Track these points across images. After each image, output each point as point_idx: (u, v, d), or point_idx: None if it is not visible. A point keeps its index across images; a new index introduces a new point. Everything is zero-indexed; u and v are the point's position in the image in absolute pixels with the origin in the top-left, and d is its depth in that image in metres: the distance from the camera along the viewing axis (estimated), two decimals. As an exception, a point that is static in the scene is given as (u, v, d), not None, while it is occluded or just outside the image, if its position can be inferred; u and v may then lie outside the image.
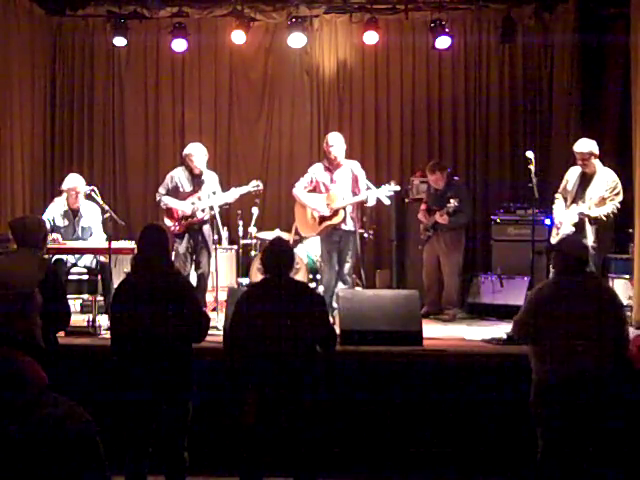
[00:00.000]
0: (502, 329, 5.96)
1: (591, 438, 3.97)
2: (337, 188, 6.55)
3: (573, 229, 6.21)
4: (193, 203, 6.60)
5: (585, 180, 6.31)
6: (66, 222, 6.64)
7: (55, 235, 6.38)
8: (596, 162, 6.28)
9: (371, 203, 6.61)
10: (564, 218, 6.31)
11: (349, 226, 6.55)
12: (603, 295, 4.09)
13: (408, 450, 5.09)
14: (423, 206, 7.39)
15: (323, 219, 6.57)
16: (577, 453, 3.97)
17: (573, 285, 4.00)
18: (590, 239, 6.09)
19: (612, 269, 7.13)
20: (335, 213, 6.50)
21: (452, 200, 6.89)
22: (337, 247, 6.58)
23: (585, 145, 6.27)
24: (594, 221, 6.15)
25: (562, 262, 4.09)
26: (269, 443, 4.08)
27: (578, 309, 3.92)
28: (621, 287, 6.76)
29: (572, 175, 6.42)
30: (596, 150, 6.26)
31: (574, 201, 6.34)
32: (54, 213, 6.66)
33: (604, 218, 6.13)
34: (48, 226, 6.40)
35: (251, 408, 3.98)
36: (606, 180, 6.20)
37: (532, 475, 4.13)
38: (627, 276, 6.93)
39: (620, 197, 6.20)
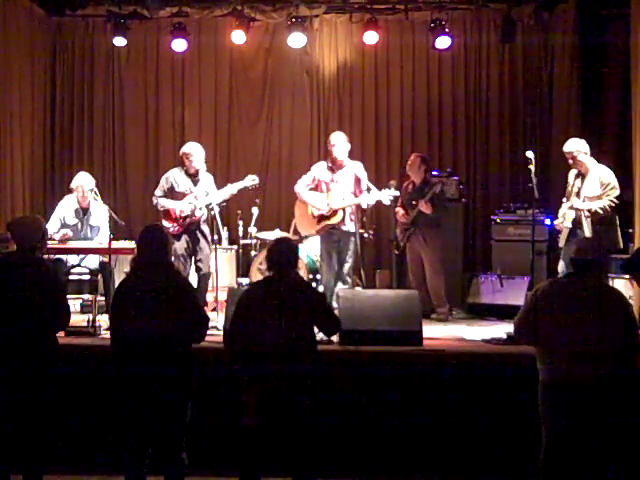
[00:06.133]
0: (502, 329, 5.96)
1: (593, 441, 3.95)
2: (338, 188, 6.54)
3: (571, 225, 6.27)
4: (190, 202, 6.59)
5: (581, 179, 6.39)
6: (76, 220, 6.70)
7: (64, 230, 6.48)
8: (587, 160, 6.33)
9: (370, 203, 6.59)
10: (565, 217, 6.36)
11: (348, 227, 6.54)
12: (605, 297, 3.96)
13: (408, 450, 5.08)
14: (399, 207, 7.32)
15: (322, 218, 6.56)
16: (579, 455, 3.95)
17: (570, 286, 3.96)
18: (587, 233, 6.15)
19: (612, 269, 7.12)
20: (334, 213, 6.49)
21: (434, 186, 7.01)
22: (336, 247, 6.57)
23: (570, 144, 6.39)
24: (589, 215, 6.20)
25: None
26: (269, 443, 4.07)
27: (575, 311, 3.86)
28: (621, 287, 6.74)
29: (571, 176, 6.53)
30: (583, 148, 6.33)
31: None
32: (65, 211, 6.71)
33: (600, 211, 6.18)
34: (59, 223, 6.58)
35: (251, 408, 3.98)
36: (598, 177, 6.28)
37: (534, 476, 4.12)
38: (627, 276, 6.92)
39: (616, 192, 6.25)
